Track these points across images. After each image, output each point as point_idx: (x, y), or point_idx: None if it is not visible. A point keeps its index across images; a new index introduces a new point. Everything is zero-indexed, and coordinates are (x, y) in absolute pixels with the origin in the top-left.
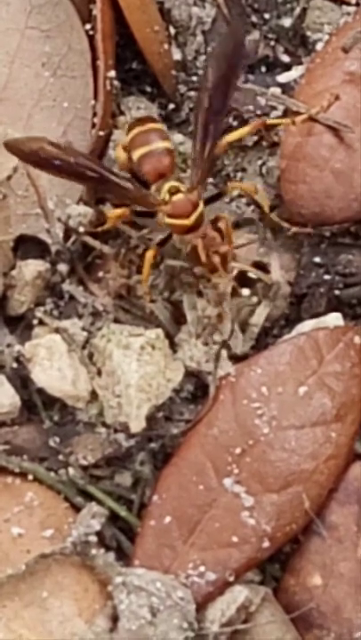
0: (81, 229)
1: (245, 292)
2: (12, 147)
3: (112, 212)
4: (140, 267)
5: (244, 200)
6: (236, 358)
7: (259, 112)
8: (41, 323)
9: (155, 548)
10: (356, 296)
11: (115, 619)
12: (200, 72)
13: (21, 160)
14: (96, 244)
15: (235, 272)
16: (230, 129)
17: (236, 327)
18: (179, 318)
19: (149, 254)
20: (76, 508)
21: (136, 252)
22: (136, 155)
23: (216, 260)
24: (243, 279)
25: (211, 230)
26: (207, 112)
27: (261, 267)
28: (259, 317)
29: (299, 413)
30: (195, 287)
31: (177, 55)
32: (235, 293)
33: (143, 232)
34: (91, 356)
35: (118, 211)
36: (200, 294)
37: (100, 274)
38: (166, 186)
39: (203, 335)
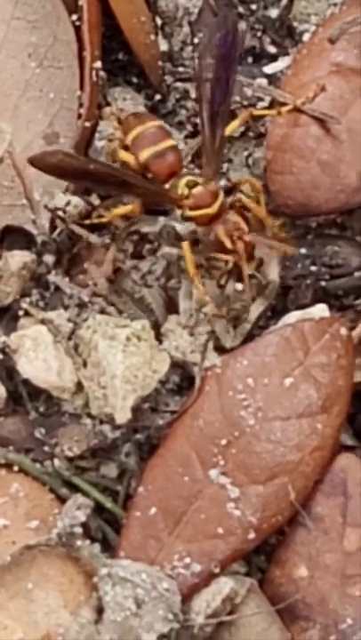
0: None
1: (239, 286)
2: (38, 163)
3: (115, 211)
4: (135, 252)
5: None
6: (221, 349)
7: (245, 103)
8: (27, 314)
9: (140, 539)
10: (342, 287)
11: (100, 610)
12: (188, 63)
13: (49, 174)
14: (84, 232)
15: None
16: None
17: (226, 322)
18: (170, 307)
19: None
20: (62, 500)
21: (131, 239)
22: (143, 156)
23: (240, 246)
24: (238, 274)
25: (233, 215)
26: (211, 103)
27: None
28: (252, 314)
29: (285, 405)
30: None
31: (163, 46)
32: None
33: (131, 222)
34: (76, 347)
35: (122, 209)
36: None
37: (87, 265)
38: (183, 181)
39: (191, 326)
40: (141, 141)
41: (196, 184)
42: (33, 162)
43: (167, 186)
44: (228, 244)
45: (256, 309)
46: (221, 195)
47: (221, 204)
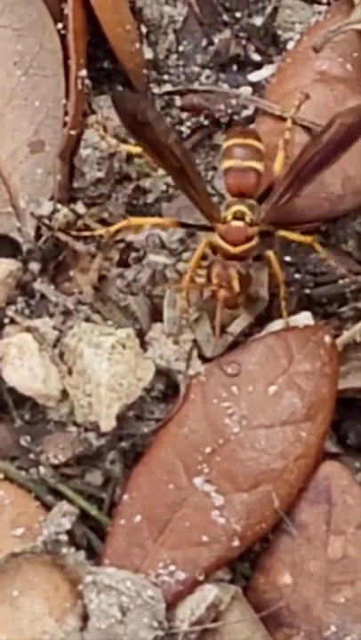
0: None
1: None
2: (117, 100)
3: (112, 227)
4: (121, 260)
5: None
6: (206, 358)
7: (230, 111)
8: (12, 321)
9: (125, 546)
10: (326, 295)
11: (85, 617)
12: (173, 71)
13: (119, 116)
14: (69, 240)
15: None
16: (201, 128)
17: (210, 331)
18: (154, 315)
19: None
20: (47, 507)
21: (117, 247)
22: (225, 164)
23: (220, 294)
24: None
25: (236, 270)
26: (305, 165)
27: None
28: (237, 327)
29: (269, 412)
30: (178, 284)
31: (148, 54)
32: (215, 297)
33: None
34: (62, 354)
35: (118, 225)
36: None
37: (72, 273)
38: (235, 207)
39: (175, 334)
40: (233, 152)
41: (242, 217)
42: (114, 98)
43: (224, 204)
44: (212, 287)
45: (241, 323)
46: (253, 243)
47: (248, 249)
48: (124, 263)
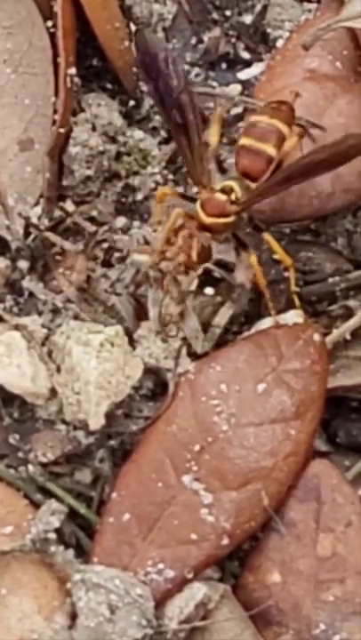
0: (41, 226)
1: (209, 291)
2: (141, 38)
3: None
4: (106, 261)
5: None
6: (195, 355)
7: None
8: (0, 319)
9: (114, 545)
10: (315, 293)
11: (73, 616)
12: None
13: (138, 52)
14: (57, 239)
15: (199, 270)
16: None
17: (199, 327)
18: (140, 314)
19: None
20: (36, 505)
21: (101, 247)
22: (242, 141)
23: (180, 258)
24: (208, 278)
25: (201, 242)
26: (302, 167)
27: (223, 265)
28: (222, 318)
29: (258, 411)
30: (160, 283)
31: None
32: (198, 292)
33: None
34: (50, 352)
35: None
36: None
37: (61, 270)
38: (228, 182)
39: (163, 332)
40: (253, 130)
41: (229, 192)
42: (137, 36)
43: (221, 176)
44: (173, 249)
45: (225, 313)
46: (228, 220)
47: (220, 225)
48: (107, 263)
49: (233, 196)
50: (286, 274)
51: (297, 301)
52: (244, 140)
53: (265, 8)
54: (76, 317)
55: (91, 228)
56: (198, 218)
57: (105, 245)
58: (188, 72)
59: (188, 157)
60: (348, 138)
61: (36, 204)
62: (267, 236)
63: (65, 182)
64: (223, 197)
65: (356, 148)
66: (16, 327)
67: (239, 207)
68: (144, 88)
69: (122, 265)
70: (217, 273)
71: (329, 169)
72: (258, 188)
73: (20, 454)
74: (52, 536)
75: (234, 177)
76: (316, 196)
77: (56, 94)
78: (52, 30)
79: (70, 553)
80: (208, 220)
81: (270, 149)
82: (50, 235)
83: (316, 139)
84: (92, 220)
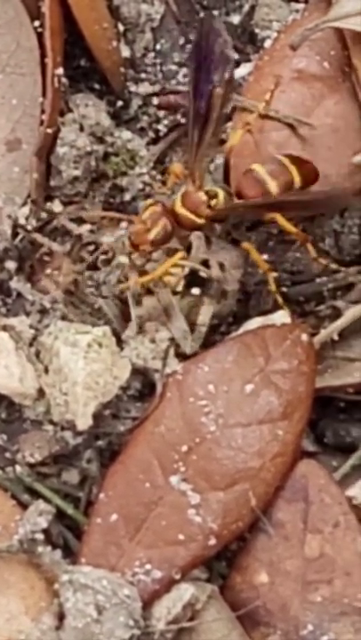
0: (29, 227)
1: (196, 291)
2: (207, 20)
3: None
4: (92, 263)
5: None
6: (183, 356)
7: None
8: None
9: (101, 545)
10: (303, 293)
11: (61, 616)
12: (150, 69)
13: (199, 31)
14: (45, 241)
15: (186, 270)
16: (178, 126)
17: (186, 327)
18: (127, 316)
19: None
20: (23, 506)
21: (87, 249)
22: (255, 166)
23: (137, 227)
24: (195, 278)
25: (165, 224)
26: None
27: (206, 264)
28: (204, 317)
29: (245, 411)
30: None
31: (126, 52)
32: (185, 293)
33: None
34: (38, 353)
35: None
36: (149, 291)
37: (48, 271)
38: (217, 189)
39: (147, 332)
40: (270, 162)
41: (211, 197)
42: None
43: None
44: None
45: (207, 311)
46: (196, 220)
47: (185, 219)
48: (93, 266)
49: (213, 202)
50: (274, 274)
51: (280, 300)
52: (255, 166)
53: (253, 8)
54: (63, 318)
55: (77, 229)
56: (173, 204)
57: (91, 247)
58: (176, 72)
59: (193, 150)
60: (334, 190)
61: (24, 204)
62: (246, 245)
63: (52, 183)
64: (204, 198)
65: (338, 201)
66: (4, 328)
67: (211, 214)
68: (132, 88)
69: (107, 267)
70: (203, 273)
71: (306, 212)
72: (236, 205)
73: (8, 455)
74: (40, 537)
75: (223, 186)
76: None
77: (44, 94)
78: (39, 30)
79: (58, 553)
80: (180, 210)
81: (274, 188)
82: (37, 236)
83: (306, 138)
84: (79, 220)
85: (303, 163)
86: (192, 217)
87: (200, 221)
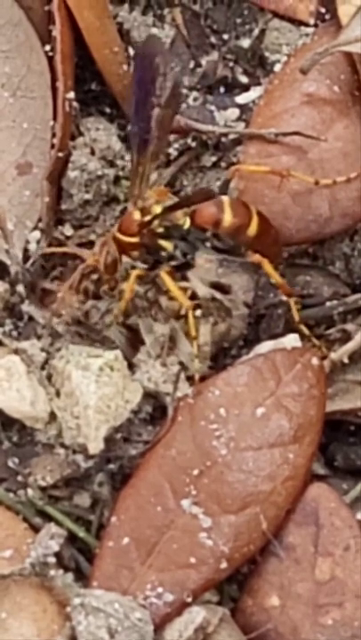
0: (39, 252)
1: (198, 313)
2: (151, 40)
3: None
4: (95, 293)
5: None
6: (194, 379)
7: (217, 132)
8: (0, 343)
9: (113, 569)
10: (313, 317)
11: (73, 639)
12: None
13: (141, 51)
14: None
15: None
16: (189, 149)
17: (192, 349)
18: (134, 342)
19: (135, 273)
20: (35, 529)
21: (90, 279)
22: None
23: (89, 261)
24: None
25: (108, 252)
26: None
27: (219, 287)
28: (204, 337)
29: (256, 435)
30: (148, 310)
31: None
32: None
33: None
34: (49, 377)
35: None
36: (155, 317)
37: (60, 294)
38: (159, 208)
39: (162, 356)
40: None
41: (145, 213)
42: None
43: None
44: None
45: (206, 331)
46: (130, 240)
47: (123, 242)
48: (95, 295)
49: (146, 219)
50: (285, 298)
51: (297, 318)
52: (225, 198)
53: (263, 32)
54: (75, 342)
55: (86, 254)
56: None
57: (93, 277)
58: (187, 96)
59: (133, 170)
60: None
61: (35, 228)
62: (268, 268)
63: (63, 206)
64: (137, 217)
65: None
66: (15, 351)
67: (141, 235)
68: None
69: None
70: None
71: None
72: (155, 215)
73: (20, 478)
74: (52, 560)
75: (171, 207)
76: (315, 220)
77: (54, 118)
78: (50, 54)
79: (70, 577)
80: (116, 234)
81: (226, 223)
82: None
83: (316, 161)
84: (90, 244)
85: (270, 226)
86: (126, 239)
87: (134, 240)
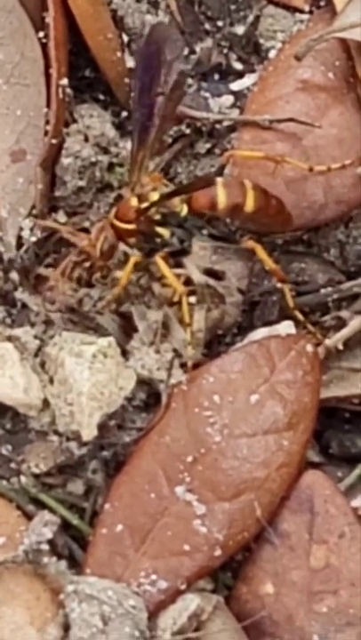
0: (33, 239)
1: (192, 300)
2: (159, 27)
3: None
4: (88, 281)
5: None
6: (188, 367)
7: (212, 119)
8: None
9: (107, 556)
10: (308, 304)
11: (66, 627)
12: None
13: (148, 37)
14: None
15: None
16: (183, 136)
17: (185, 336)
18: (127, 329)
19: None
20: (28, 517)
21: (83, 266)
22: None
23: (83, 242)
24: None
25: (105, 237)
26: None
27: (213, 274)
28: (198, 323)
29: (251, 421)
30: (142, 297)
31: (130, 63)
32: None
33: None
34: (43, 364)
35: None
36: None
37: (53, 282)
38: (156, 194)
39: (155, 342)
40: (228, 181)
41: (153, 203)
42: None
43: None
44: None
45: (200, 317)
46: (127, 227)
47: (120, 228)
48: (88, 283)
49: (143, 205)
50: (279, 285)
51: (292, 305)
52: (219, 180)
53: (257, 19)
54: (68, 329)
55: (80, 241)
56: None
57: (86, 264)
58: (187, 85)
59: (132, 157)
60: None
61: (29, 215)
62: (260, 253)
63: (57, 193)
64: (133, 203)
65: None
66: (9, 338)
67: (137, 217)
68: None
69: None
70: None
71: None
72: (154, 202)
73: (13, 465)
74: (45, 547)
75: (170, 194)
76: (309, 207)
77: (48, 105)
78: (44, 41)
79: (63, 564)
80: (113, 221)
81: (222, 205)
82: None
83: (310, 148)
84: (84, 231)
85: (268, 197)
86: (123, 225)
87: (131, 227)
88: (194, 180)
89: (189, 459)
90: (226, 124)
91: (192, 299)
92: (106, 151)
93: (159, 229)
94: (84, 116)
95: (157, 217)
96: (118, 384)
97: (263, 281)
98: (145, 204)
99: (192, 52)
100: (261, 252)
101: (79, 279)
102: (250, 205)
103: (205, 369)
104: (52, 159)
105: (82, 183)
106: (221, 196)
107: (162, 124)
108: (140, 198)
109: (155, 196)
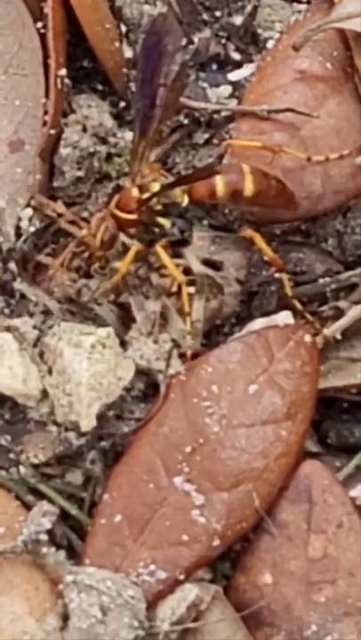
0: (31, 229)
1: (191, 290)
2: (161, 18)
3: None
4: (86, 272)
5: None
6: (186, 357)
7: (210, 110)
8: None
9: (105, 546)
10: (306, 294)
11: (65, 617)
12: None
13: (151, 28)
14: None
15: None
16: (181, 127)
17: (184, 326)
18: (126, 320)
19: (133, 250)
20: (27, 507)
21: (82, 257)
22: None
23: (83, 232)
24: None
25: (106, 227)
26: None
27: (212, 264)
28: (197, 313)
29: (249, 412)
30: (140, 288)
31: (128, 53)
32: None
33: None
34: (42, 354)
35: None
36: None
37: (52, 272)
38: (157, 185)
39: (153, 333)
40: (227, 167)
41: (144, 190)
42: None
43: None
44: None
45: (199, 307)
46: (128, 217)
47: (120, 218)
48: (86, 274)
49: (144, 196)
50: (277, 275)
51: (290, 294)
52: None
53: (255, 9)
54: (67, 319)
55: (79, 232)
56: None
57: (84, 255)
58: (188, 76)
59: (134, 148)
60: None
61: (27, 205)
62: (259, 241)
63: (55, 183)
64: (134, 194)
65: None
66: (7, 329)
67: (138, 207)
68: (135, 89)
69: (101, 274)
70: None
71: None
72: (155, 192)
73: (12, 455)
74: (44, 537)
75: (170, 184)
76: (307, 197)
77: (46, 95)
78: (42, 31)
79: (62, 554)
80: (114, 211)
81: (221, 193)
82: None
83: (308, 138)
84: (82, 221)
85: (268, 178)
86: (124, 215)
87: (132, 217)
88: (195, 170)
89: (188, 449)
90: (224, 114)
91: (191, 289)
92: (104, 141)
93: (160, 220)
94: (83, 106)
95: (159, 207)
96: (117, 374)
97: (261, 271)
98: (146, 195)
99: (190, 42)
100: (260, 241)
101: (78, 269)
102: (249, 189)
103: (204, 359)
104: (51, 149)
105: (80, 173)
106: (220, 184)
107: (163, 114)
108: (142, 189)
109: (156, 187)
